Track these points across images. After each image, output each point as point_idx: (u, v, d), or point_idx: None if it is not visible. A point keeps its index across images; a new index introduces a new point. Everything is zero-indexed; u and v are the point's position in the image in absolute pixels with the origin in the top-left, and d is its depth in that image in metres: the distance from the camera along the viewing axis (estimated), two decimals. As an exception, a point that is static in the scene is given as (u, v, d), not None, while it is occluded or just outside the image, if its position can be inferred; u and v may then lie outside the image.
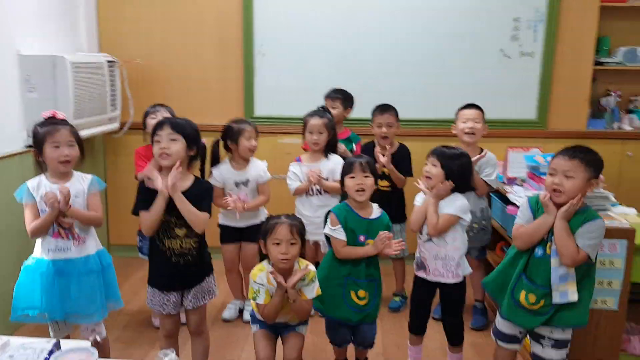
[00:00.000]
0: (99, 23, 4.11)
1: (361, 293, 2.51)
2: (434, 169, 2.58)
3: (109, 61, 3.77)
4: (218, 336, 3.14)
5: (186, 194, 2.36)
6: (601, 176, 2.91)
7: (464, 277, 2.62)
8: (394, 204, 3.35)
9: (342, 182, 2.59)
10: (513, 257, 2.36)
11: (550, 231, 2.24)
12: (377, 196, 2.63)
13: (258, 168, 3.19)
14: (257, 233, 3.18)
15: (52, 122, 2.41)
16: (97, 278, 2.47)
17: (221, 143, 3.20)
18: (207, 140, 2.71)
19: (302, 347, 2.50)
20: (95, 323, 2.52)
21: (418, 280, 2.69)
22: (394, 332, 3.17)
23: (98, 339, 2.55)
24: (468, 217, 2.57)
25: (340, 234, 2.49)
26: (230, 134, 3.14)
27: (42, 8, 3.47)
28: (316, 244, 3.30)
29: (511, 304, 2.32)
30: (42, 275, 2.39)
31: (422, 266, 2.64)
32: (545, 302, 2.25)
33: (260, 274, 2.35)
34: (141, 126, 3.25)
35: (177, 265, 2.41)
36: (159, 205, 2.32)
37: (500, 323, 2.43)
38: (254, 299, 2.36)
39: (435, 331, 3.13)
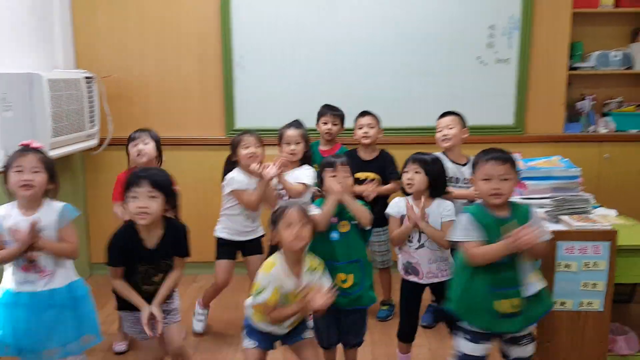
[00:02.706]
0: (75, 39, 4.07)
1: (341, 276, 2.48)
2: (417, 175, 2.62)
3: (86, 77, 3.72)
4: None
5: (161, 242, 2.35)
6: (580, 178, 2.99)
7: None
8: (379, 206, 3.25)
9: (321, 180, 2.58)
10: (472, 274, 2.29)
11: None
12: (361, 199, 2.66)
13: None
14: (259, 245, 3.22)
15: (23, 149, 2.36)
16: (63, 312, 2.36)
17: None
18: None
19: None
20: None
21: (408, 285, 2.71)
22: (383, 342, 3.16)
23: None
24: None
25: (314, 210, 2.47)
26: (232, 148, 3.15)
27: (17, 25, 3.42)
28: None
29: (492, 319, 2.27)
30: (7, 307, 2.33)
31: (414, 271, 2.66)
32: (522, 300, 2.27)
33: (275, 268, 2.28)
34: (120, 142, 3.21)
35: (148, 294, 2.40)
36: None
37: (469, 347, 2.35)
38: (258, 293, 2.25)
39: (422, 339, 3.15)
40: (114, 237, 2.37)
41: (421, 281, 2.66)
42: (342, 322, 2.57)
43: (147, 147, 3.07)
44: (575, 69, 4.17)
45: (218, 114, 4.16)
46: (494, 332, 2.33)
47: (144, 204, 2.26)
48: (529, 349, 2.36)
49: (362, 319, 2.62)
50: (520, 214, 2.29)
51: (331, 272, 2.46)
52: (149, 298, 2.38)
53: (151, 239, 2.35)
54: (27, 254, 2.31)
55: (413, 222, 2.59)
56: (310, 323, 2.46)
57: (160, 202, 2.31)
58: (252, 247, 3.24)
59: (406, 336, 2.77)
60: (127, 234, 2.35)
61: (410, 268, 2.68)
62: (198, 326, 3.35)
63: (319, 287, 2.29)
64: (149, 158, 3.06)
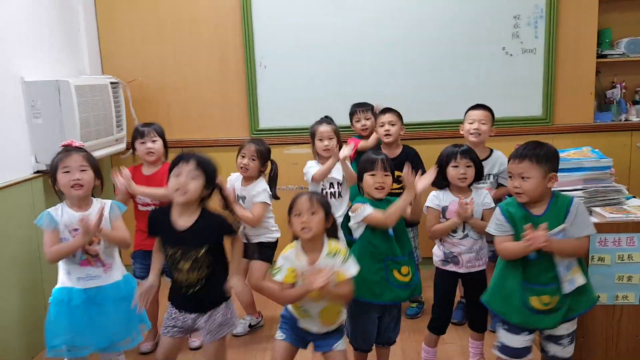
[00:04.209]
0: (100, 45, 4.13)
1: (404, 269, 2.48)
2: (469, 170, 2.65)
3: (112, 82, 3.78)
4: (232, 353, 3.11)
5: (192, 226, 2.31)
6: (612, 169, 2.92)
7: None
8: None
9: (360, 178, 2.58)
10: (505, 268, 2.30)
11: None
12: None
13: (257, 188, 3.14)
14: (266, 250, 3.18)
15: (66, 149, 2.46)
16: (129, 303, 2.42)
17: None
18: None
19: None
20: (117, 353, 2.52)
21: (445, 275, 2.71)
22: (413, 339, 3.14)
23: None
24: None
25: (368, 209, 2.45)
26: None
27: (44, 33, 3.49)
28: None
29: (526, 313, 2.25)
30: (77, 307, 2.37)
31: (454, 261, 2.67)
32: (559, 297, 2.22)
33: (290, 250, 2.30)
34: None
35: (186, 295, 2.35)
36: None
37: (509, 338, 2.33)
38: (274, 274, 2.26)
39: (453, 336, 3.12)
40: (151, 212, 2.45)
41: (460, 270, 2.67)
42: (383, 319, 2.56)
43: (155, 145, 3.08)
44: (604, 56, 4.07)
45: (241, 114, 4.18)
46: (529, 326, 2.29)
47: (184, 181, 2.27)
48: (568, 350, 2.30)
49: (399, 315, 2.62)
50: (558, 209, 2.22)
51: (394, 267, 2.46)
52: (181, 288, 2.34)
53: (182, 221, 2.32)
54: (87, 246, 2.39)
55: (463, 218, 2.59)
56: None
57: (201, 183, 2.31)
58: (253, 251, 3.20)
59: (438, 329, 2.76)
60: (162, 211, 2.38)
61: (451, 258, 2.68)
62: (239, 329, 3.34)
63: (333, 269, 2.20)
64: (157, 156, 3.07)
